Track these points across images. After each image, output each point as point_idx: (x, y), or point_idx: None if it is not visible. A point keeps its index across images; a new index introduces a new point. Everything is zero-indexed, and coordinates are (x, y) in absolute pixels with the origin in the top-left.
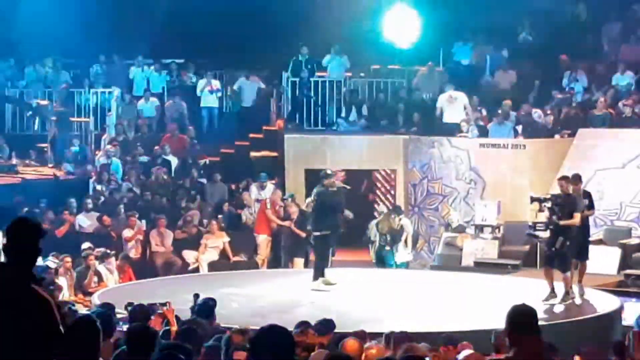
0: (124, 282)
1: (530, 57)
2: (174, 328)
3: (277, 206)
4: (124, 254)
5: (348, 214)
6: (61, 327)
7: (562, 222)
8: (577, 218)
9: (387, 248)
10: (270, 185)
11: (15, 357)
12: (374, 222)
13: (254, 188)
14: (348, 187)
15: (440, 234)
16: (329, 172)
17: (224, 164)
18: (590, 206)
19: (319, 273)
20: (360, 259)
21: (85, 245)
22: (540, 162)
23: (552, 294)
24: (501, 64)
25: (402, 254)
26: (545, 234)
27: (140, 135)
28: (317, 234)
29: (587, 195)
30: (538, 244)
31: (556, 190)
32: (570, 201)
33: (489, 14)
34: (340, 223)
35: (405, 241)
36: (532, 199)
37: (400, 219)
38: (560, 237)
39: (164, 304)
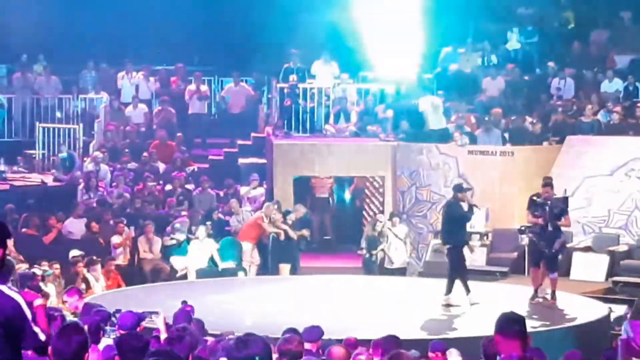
0: (112, 288)
1: (518, 64)
2: (164, 336)
3: (269, 217)
4: (108, 258)
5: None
6: (32, 324)
7: (560, 223)
8: (569, 220)
9: (367, 255)
10: (260, 189)
11: None
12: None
13: (244, 188)
14: (478, 207)
15: (428, 240)
16: (464, 186)
17: (213, 170)
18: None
19: (450, 287)
20: (350, 266)
21: (73, 252)
22: (529, 169)
23: (537, 294)
24: (489, 70)
25: (398, 259)
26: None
27: (129, 141)
28: (448, 246)
29: None
30: (526, 250)
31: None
32: (561, 204)
33: (477, 21)
34: (466, 237)
35: (405, 244)
36: (520, 231)
37: (394, 225)
38: (559, 239)
39: (154, 312)
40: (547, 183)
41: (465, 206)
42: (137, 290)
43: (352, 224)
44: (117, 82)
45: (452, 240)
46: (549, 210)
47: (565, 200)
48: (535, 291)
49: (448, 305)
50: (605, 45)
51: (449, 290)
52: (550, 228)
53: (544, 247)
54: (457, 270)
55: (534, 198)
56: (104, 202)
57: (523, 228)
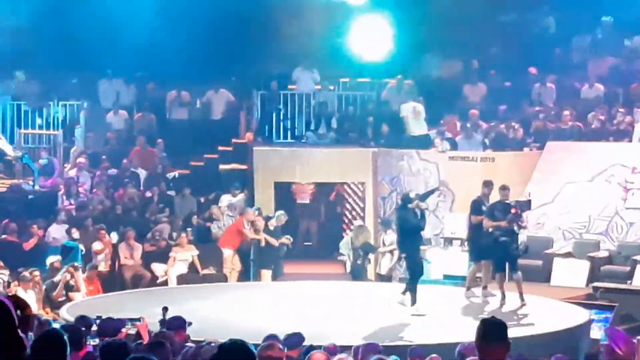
0: (93, 294)
1: (499, 70)
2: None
3: (250, 224)
4: (91, 265)
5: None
6: (18, 330)
7: (523, 224)
8: (525, 222)
9: (359, 262)
10: (241, 195)
11: None
12: (347, 237)
13: (226, 197)
14: (426, 208)
15: None
16: (412, 195)
17: (193, 177)
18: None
19: (413, 295)
20: (332, 272)
21: (52, 258)
22: (510, 175)
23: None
24: (470, 76)
25: (386, 266)
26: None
27: (109, 148)
28: (405, 255)
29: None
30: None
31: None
32: (525, 207)
33: (458, 27)
34: (421, 244)
35: (392, 253)
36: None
37: (386, 233)
38: (522, 241)
39: (137, 319)
40: (506, 187)
41: (417, 212)
42: (118, 296)
43: (332, 230)
44: (98, 89)
45: (407, 249)
46: (516, 216)
47: (528, 203)
48: (504, 296)
49: (418, 315)
50: (587, 51)
51: (414, 300)
52: (517, 230)
53: (514, 250)
54: (416, 278)
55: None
56: (85, 209)
57: (489, 232)
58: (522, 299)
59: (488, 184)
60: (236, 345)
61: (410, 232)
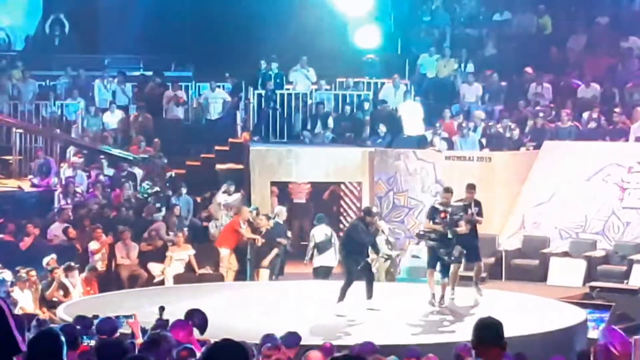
0: (90, 294)
1: (496, 70)
2: (139, 340)
3: (246, 223)
4: (90, 266)
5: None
6: (15, 331)
7: (459, 230)
8: (463, 226)
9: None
10: (237, 195)
11: None
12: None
13: (220, 195)
14: (384, 233)
15: (406, 246)
16: (373, 209)
17: (190, 176)
18: (480, 214)
19: (341, 296)
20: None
21: (48, 258)
22: (506, 175)
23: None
24: (467, 76)
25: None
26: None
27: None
28: (344, 262)
29: (478, 204)
30: (503, 257)
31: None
32: (462, 211)
33: (454, 27)
34: (362, 259)
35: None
36: (419, 236)
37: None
38: (458, 247)
39: (129, 317)
40: (448, 189)
41: (371, 230)
42: (114, 296)
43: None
44: (93, 88)
45: (347, 260)
46: (449, 220)
47: (464, 208)
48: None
49: (339, 315)
50: (583, 50)
51: (340, 298)
52: (449, 236)
53: (443, 255)
54: (347, 283)
55: (436, 206)
56: (81, 208)
57: (422, 233)
58: (441, 302)
59: (470, 186)
60: (229, 343)
61: (356, 243)
